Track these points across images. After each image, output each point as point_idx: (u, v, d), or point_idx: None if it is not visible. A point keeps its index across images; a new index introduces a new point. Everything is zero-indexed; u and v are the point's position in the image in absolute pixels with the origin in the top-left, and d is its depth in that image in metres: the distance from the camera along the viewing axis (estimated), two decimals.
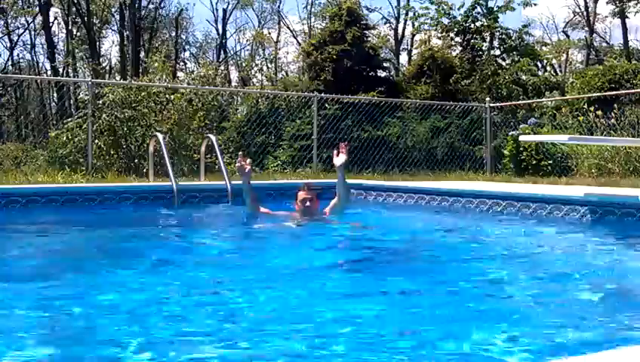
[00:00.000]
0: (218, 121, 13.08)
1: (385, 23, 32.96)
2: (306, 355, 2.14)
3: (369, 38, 19.66)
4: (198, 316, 2.59)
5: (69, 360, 2.10)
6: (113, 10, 32.56)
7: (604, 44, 35.95)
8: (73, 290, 3.07)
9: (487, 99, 12.78)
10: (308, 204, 5.03)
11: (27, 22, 33.62)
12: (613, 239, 4.67)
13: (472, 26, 19.32)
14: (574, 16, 36.01)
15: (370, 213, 6.66)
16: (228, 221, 6.06)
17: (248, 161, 5.21)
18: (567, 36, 36.83)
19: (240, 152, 5.61)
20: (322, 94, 12.88)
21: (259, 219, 5.28)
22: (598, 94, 13.02)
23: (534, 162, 10.33)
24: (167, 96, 10.68)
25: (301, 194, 5.08)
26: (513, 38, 19.54)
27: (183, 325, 2.45)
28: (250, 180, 5.22)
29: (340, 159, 5.00)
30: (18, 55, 35.70)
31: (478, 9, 19.32)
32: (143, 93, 10.32)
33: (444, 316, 2.61)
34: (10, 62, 34.40)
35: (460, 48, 19.85)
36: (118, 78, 29.94)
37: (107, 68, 33.72)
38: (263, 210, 5.30)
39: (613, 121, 10.28)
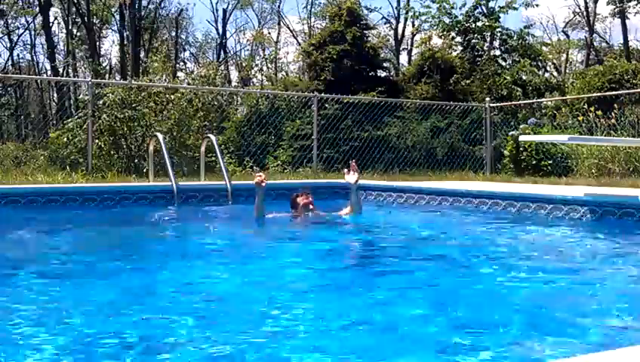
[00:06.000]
0: (218, 121, 13.05)
1: (385, 23, 32.96)
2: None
3: (369, 38, 19.64)
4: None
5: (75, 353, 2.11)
6: (113, 10, 32.53)
7: (604, 44, 35.93)
8: (73, 291, 3.07)
9: (487, 99, 12.77)
10: (311, 207, 5.28)
11: (27, 22, 33.64)
12: (612, 239, 4.66)
13: (473, 25, 19.31)
14: (574, 16, 36.00)
15: (371, 212, 6.65)
16: (233, 222, 6.06)
17: (264, 176, 5.32)
18: (567, 36, 36.82)
19: (257, 168, 5.71)
20: (322, 94, 12.88)
21: (266, 220, 5.35)
22: (598, 94, 13.02)
23: (534, 162, 10.33)
24: (167, 96, 10.68)
25: (302, 200, 5.30)
26: (514, 39, 19.52)
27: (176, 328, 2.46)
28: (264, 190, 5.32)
29: (352, 177, 5.23)
30: (18, 55, 35.76)
31: (480, 9, 19.31)
32: (143, 93, 10.32)
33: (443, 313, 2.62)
34: (10, 63, 34.42)
35: (460, 48, 19.83)
36: (118, 78, 29.94)
37: (107, 68, 33.73)
38: (268, 215, 5.37)
39: (613, 121, 10.28)
